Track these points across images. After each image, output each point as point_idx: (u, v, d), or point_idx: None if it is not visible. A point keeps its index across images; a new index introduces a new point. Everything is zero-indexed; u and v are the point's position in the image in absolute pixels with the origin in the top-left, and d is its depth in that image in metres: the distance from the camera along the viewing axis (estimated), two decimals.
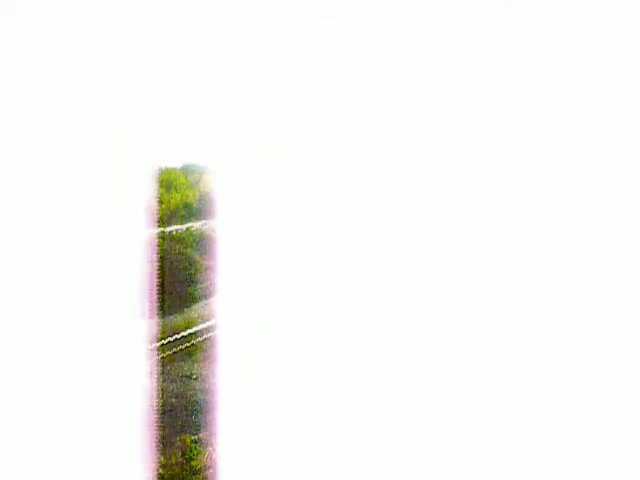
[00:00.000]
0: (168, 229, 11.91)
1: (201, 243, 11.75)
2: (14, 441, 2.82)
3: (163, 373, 6.31)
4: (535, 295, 2.78)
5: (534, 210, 2.77)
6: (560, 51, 2.69)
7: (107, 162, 2.97)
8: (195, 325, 8.11)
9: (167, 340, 7.26)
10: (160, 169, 16.71)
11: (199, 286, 10.11)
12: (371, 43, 2.83)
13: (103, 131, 2.95)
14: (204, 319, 8.50)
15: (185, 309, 9.12)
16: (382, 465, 2.98)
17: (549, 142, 2.74)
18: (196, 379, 6.13)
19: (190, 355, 6.90)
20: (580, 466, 2.77)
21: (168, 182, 15.88)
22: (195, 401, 5.56)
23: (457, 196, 2.84)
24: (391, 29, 2.80)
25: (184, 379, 6.13)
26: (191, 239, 11.63)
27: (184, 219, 14.18)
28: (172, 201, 14.47)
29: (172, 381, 6.08)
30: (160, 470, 4.22)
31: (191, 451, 4.53)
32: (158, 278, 9.85)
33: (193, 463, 4.32)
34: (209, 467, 4.28)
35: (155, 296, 9.31)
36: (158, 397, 5.65)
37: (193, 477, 4.15)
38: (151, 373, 6.31)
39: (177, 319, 8.53)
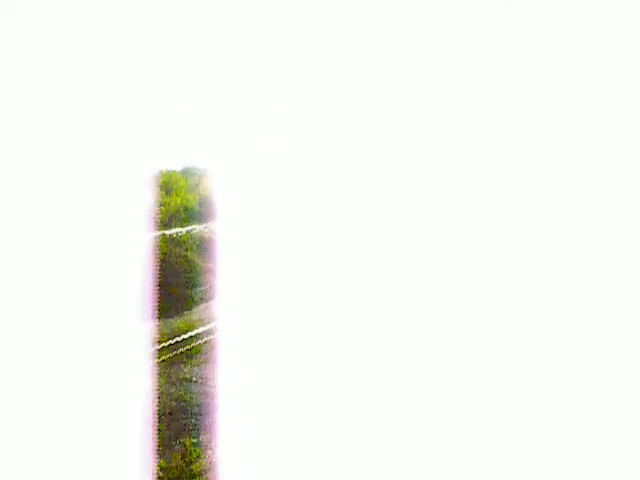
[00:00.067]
0: (168, 232, 11.91)
1: (201, 246, 11.74)
2: (14, 443, 2.80)
3: (163, 376, 6.29)
4: (535, 295, 2.77)
5: (534, 210, 2.77)
6: (560, 51, 2.69)
7: (107, 165, 2.97)
8: (195, 328, 8.09)
9: (167, 343, 7.24)
10: (160, 172, 16.74)
11: (199, 289, 10.09)
12: (371, 43, 2.83)
13: (103, 134, 2.95)
14: (204, 322, 8.49)
15: (185, 312, 9.11)
16: (383, 468, 2.97)
17: (549, 142, 2.74)
18: (196, 382, 6.11)
19: (190, 358, 6.88)
20: (580, 466, 2.75)
21: (168, 185, 15.90)
22: (195, 404, 5.54)
23: (457, 196, 2.83)
24: (391, 29, 2.80)
25: (184, 382, 6.11)
26: (191, 242, 11.63)
27: (184, 222, 14.18)
28: (172, 204, 14.48)
29: (172, 384, 6.06)
30: (160, 473, 4.20)
31: (191, 454, 4.51)
32: (158, 281, 9.84)
33: (193, 466, 4.30)
34: (209, 470, 4.26)
35: (155, 299, 9.30)
36: (158, 400, 5.63)
37: None
38: (151, 376, 6.29)
39: (177, 322, 8.52)
